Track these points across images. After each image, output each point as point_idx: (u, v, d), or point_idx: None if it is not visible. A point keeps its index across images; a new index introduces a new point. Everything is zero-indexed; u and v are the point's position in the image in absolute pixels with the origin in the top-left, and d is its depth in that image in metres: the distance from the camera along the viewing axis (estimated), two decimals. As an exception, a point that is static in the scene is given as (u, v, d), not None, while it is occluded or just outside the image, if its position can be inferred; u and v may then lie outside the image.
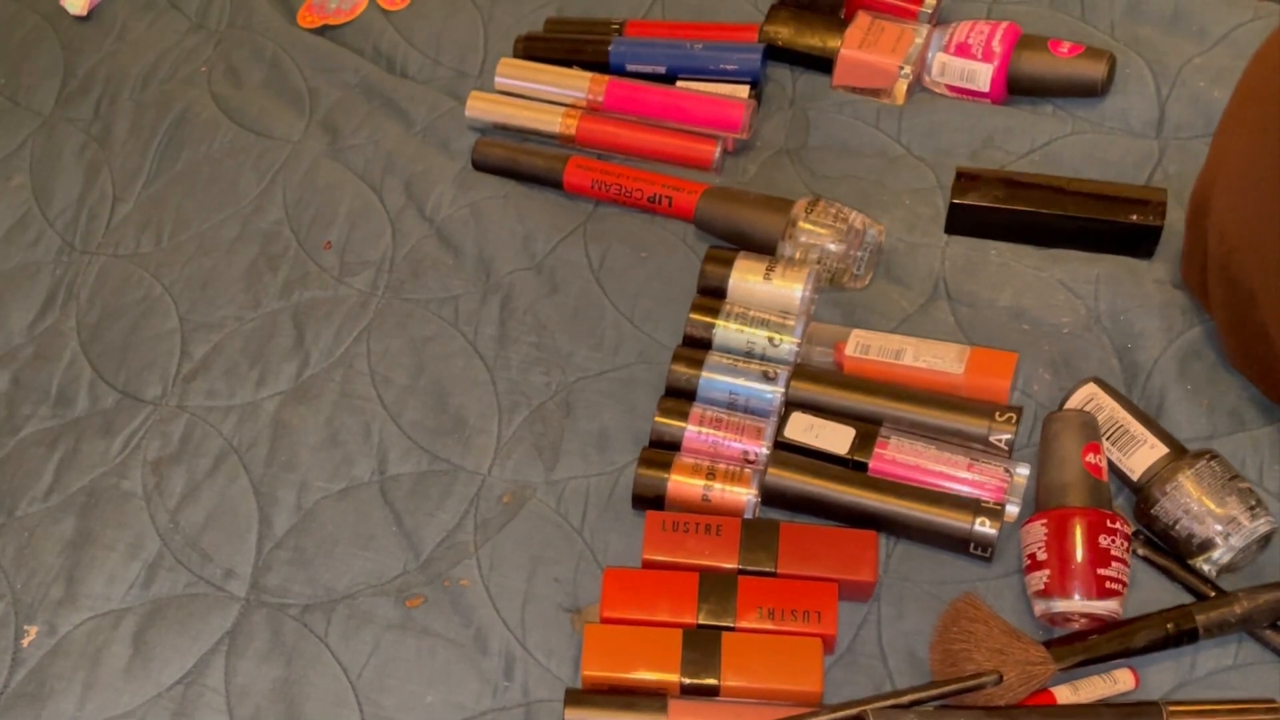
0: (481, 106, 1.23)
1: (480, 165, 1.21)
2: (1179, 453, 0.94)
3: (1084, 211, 1.08)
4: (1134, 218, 1.07)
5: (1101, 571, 0.89)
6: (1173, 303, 1.05)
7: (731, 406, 1.02)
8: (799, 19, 1.24)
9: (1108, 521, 0.90)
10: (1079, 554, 0.89)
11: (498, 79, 1.25)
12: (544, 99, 1.23)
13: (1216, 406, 1.00)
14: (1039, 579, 0.90)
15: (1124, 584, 0.90)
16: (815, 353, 1.04)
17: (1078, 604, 0.89)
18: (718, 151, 1.17)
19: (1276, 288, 0.92)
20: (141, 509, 1.05)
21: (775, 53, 1.25)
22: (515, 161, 1.20)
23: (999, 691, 0.86)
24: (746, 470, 0.98)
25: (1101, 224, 1.08)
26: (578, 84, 1.22)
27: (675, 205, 1.14)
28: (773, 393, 1.02)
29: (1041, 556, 0.91)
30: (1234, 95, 0.99)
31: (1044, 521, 0.91)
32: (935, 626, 0.91)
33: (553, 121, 1.21)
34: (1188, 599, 0.92)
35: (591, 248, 1.14)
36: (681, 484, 0.98)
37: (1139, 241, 1.08)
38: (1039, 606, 0.91)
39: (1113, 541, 0.90)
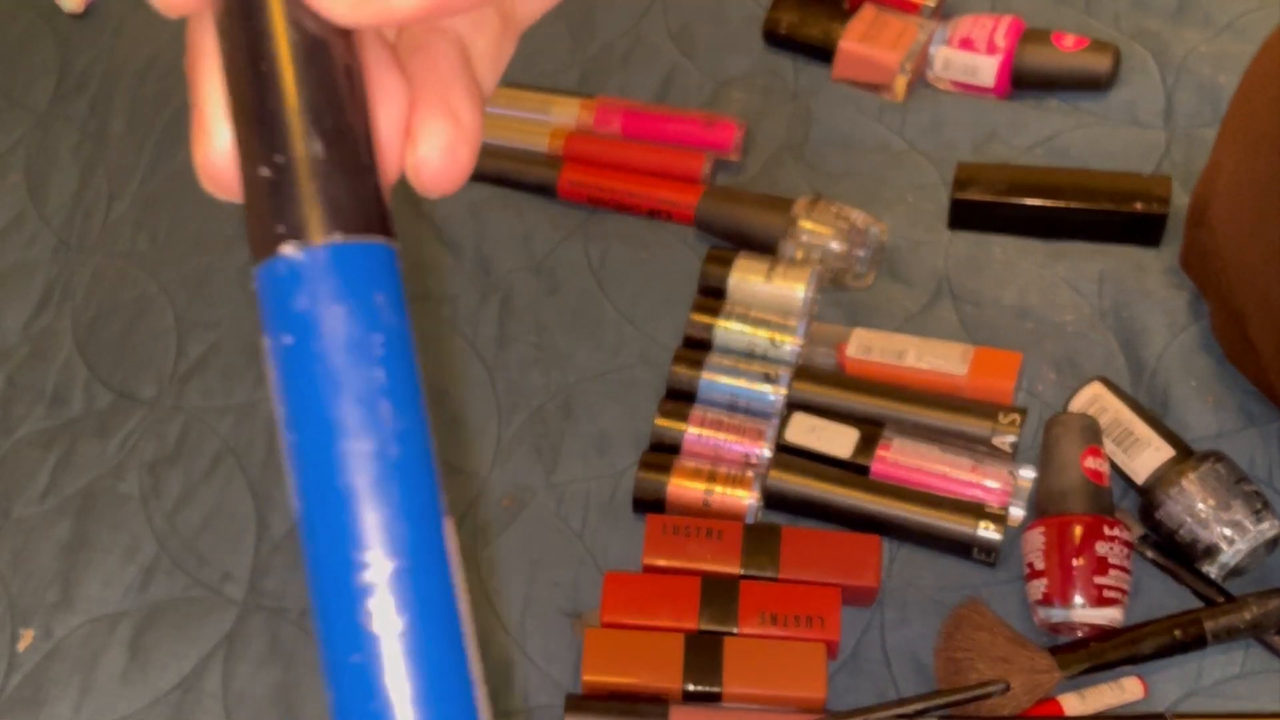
0: None
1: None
2: (1184, 455, 0.93)
3: (1087, 202, 1.07)
4: (1138, 206, 1.06)
5: (1099, 580, 0.88)
6: (1178, 296, 1.04)
7: (732, 408, 1.01)
8: (803, 7, 1.23)
9: (1106, 528, 0.89)
10: (1076, 562, 0.88)
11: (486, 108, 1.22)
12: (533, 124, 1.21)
13: (1223, 402, 0.99)
14: (1038, 587, 0.89)
15: (1125, 591, 0.89)
16: (817, 353, 1.03)
17: (1076, 613, 0.88)
18: (707, 168, 1.15)
19: (1265, 313, 0.91)
20: (138, 511, 1.04)
21: (777, 41, 1.23)
22: (503, 171, 1.18)
23: (1004, 701, 0.85)
24: (748, 474, 0.97)
25: (1106, 214, 1.06)
26: (567, 110, 1.21)
27: (675, 217, 1.13)
28: (774, 394, 1.01)
29: (1040, 565, 0.89)
30: (1230, 106, 0.97)
31: (1042, 529, 0.90)
32: (939, 633, 0.90)
33: (540, 140, 1.19)
34: (1195, 604, 0.91)
35: (591, 247, 1.13)
36: (682, 488, 0.97)
37: (1145, 230, 1.07)
38: (1039, 615, 0.90)
39: (1111, 548, 0.89)
